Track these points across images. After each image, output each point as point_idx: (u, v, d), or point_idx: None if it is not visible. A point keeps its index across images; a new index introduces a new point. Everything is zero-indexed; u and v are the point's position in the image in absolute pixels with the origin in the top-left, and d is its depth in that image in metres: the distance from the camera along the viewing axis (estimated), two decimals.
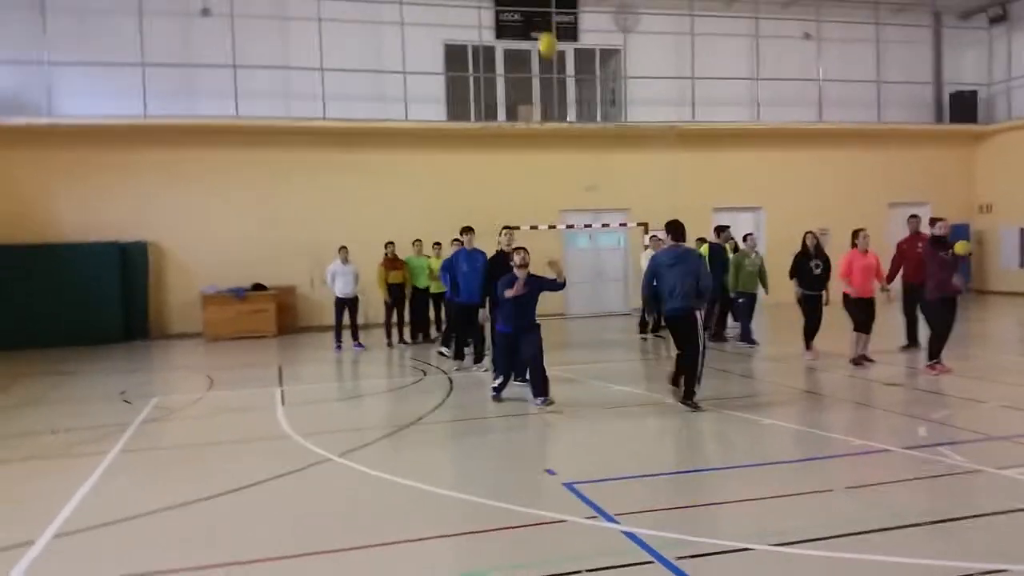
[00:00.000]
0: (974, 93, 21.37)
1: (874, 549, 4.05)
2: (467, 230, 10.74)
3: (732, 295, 12.48)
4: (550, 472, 5.68)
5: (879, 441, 6.27)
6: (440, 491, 5.32)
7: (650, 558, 4.02)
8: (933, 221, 9.72)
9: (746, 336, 12.26)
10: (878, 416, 7.55)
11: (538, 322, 8.33)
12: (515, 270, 8.05)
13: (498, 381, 8.44)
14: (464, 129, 18.37)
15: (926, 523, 4.38)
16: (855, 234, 10.06)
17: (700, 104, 19.60)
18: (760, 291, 12.47)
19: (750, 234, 12.78)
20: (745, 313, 12.41)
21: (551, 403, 7.87)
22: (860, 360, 9.93)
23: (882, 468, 5.61)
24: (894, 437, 6.45)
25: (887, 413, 7.61)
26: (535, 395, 7.99)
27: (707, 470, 5.71)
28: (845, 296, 10.04)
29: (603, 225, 18.54)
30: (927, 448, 5.98)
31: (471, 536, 4.54)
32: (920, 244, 10.96)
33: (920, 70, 21.63)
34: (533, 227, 16.87)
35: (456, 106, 18.86)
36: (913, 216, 11.79)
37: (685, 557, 4.00)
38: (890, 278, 10.78)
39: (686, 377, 7.75)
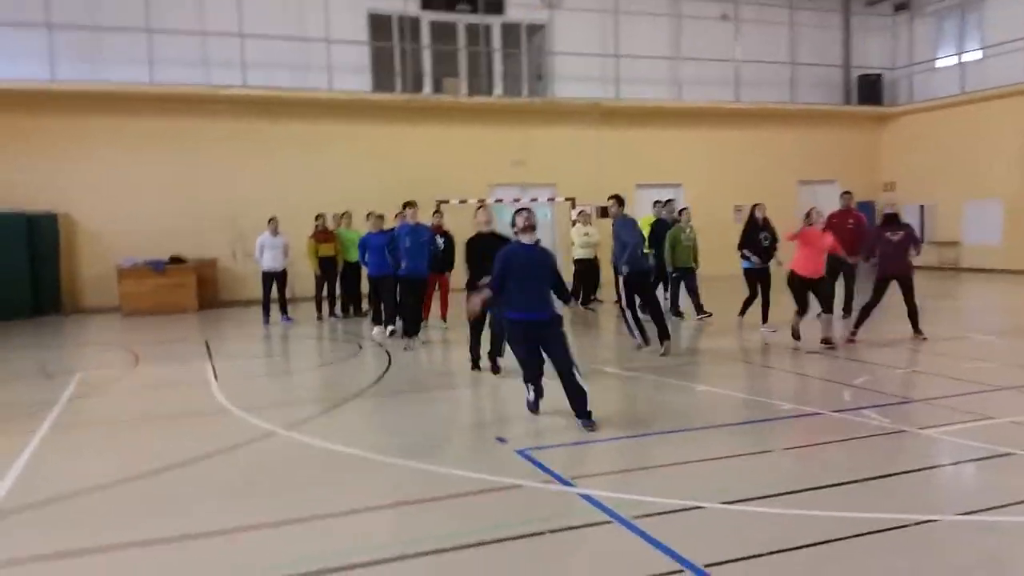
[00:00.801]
0: (879, 77, 22.50)
1: (813, 505, 4.34)
2: (410, 204, 10.58)
3: (669, 270, 12.35)
4: (501, 440, 5.79)
5: (811, 406, 6.66)
6: (391, 460, 5.34)
7: (608, 518, 4.19)
8: (848, 194, 10.39)
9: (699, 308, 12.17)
10: (809, 382, 8.00)
11: (559, 312, 6.39)
12: (520, 235, 6.29)
13: (532, 393, 6.46)
14: (390, 101, 18.13)
15: (859, 480, 4.72)
16: (808, 214, 9.71)
17: (624, 82, 19.93)
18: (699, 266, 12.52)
19: (685, 208, 12.76)
20: (678, 287, 12.50)
21: (593, 425, 6.00)
22: (828, 341, 9.39)
23: (815, 431, 5.98)
24: (823, 402, 6.86)
25: (816, 380, 8.07)
26: (577, 415, 6.05)
27: (654, 434, 5.93)
28: (793, 274, 9.60)
29: (532, 200, 18.69)
30: (854, 411, 6.39)
31: (425, 504, 4.56)
32: (851, 220, 11.57)
33: (831, 53, 22.60)
34: (463, 201, 16.86)
35: (381, 77, 18.57)
36: (846, 192, 12.26)
37: (641, 516, 4.18)
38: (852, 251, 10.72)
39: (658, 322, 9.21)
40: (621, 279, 9.46)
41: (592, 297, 14.26)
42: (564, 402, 6.11)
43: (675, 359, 9.11)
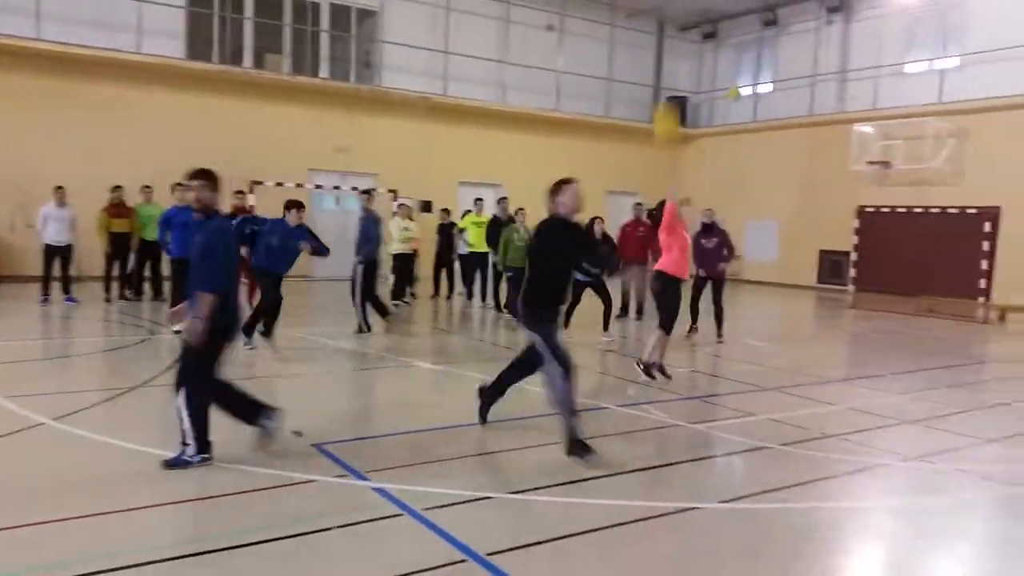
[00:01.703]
0: (685, 99, 24.27)
1: (593, 493, 4.63)
2: (296, 205, 9.28)
3: (500, 269, 11.95)
4: (298, 434, 5.66)
5: (600, 401, 7.09)
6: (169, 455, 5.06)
7: (400, 511, 4.24)
8: (640, 205, 11.38)
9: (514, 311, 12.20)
10: (603, 379, 8.49)
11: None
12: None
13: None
14: (205, 71, 17.06)
15: (635, 470, 5.09)
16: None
17: (452, 79, 20.08)
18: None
19: (520, 209, 12.27)
20: (504, 285, 12.19)
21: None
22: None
23: (601, 424, 6.36)
24: (612, 397, 7.32)
25: (609, 377, 8.59)
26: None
27: (448, 427, 6.03)
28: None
29: (352, 188, 18.34)
30: (636, 406, 6.88)
31: (211, 500, 4.38)
32: (641, 229, 12.47)
33: (644, 72, 24.07)
34: (279, 184, 16.24)
35: (197, 45, 17.44)
36: (637, 204, 13.25)
37: (432, 508, 4.27)
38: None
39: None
40: (360, 268, 10.49)
41: (408, 292, 14.23)
42: (362, 398, 6.07)
43: (481, 354, 9.33)
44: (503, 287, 12.82)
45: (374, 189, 13.38)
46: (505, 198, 13.72)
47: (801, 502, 4.69)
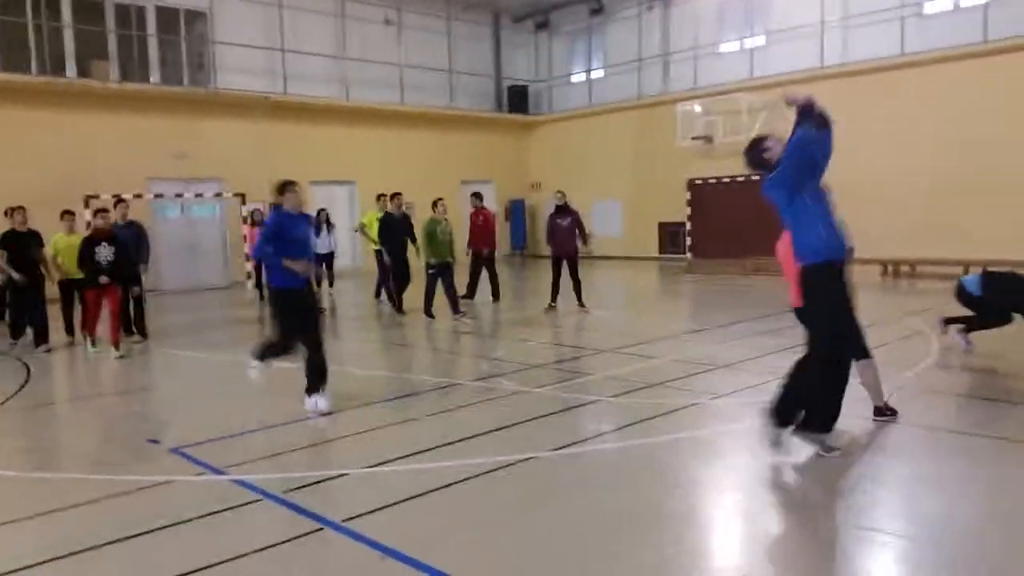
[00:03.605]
0: (526, 88, 25.19)
1: (444, 458, 5.12)
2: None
3: (423, 264, 11.73)
4: (154, 441, 5.80)
5: (456, 378, 7.58)
6: (26, 475, 5.12)
7: (259, 497, 4.54)
8: (477, 195, 12.04)
9: (397, 302, 12.24)
10: (460, 360, 9.01)
11: None
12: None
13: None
14: (25, 83, 16.11)
15: (484, 432, 5.63)
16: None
17: (291, 77, 19.91)
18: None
19: (440, 199, 11.94)
20: (434, 284, 11.60)
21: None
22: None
23: (455, 397, 6.86)
24: (467, 374, 7.84)
25: (467, 357, 9.11)
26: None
27: (309, 419, 6.33)
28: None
29: (196, 195, 17.88)
30: (488, 379, 7.44)
31: (69, 510, 4.46)
32: (481, 217, 13.08)
33: (484, 63, 24.75)
34: (116, 196, 15.59)
35: (13, 56, 16.42)
36: (475, 194, 13.68)
37: (290, 490, 4.60)
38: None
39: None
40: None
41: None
42: (216, 400, 6.24)
43: (347, 347, 9.62)
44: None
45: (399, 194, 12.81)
46: (399, 193, 12.88)
47: (619, 442, 5.40)
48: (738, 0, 20.49)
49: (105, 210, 9.86)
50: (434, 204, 11.74)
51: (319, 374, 6.34)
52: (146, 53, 18.41)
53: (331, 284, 15.21)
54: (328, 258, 14.90)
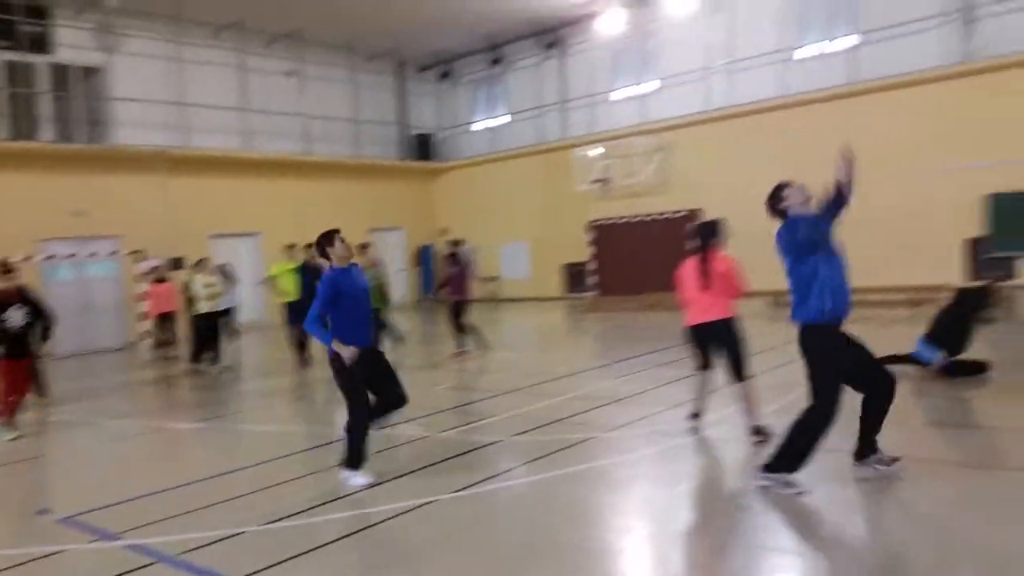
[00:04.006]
0: (430, 136, 25.62)
1: (342, 509, 5.18)
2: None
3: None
4: (43, 512, 5.63)
5: None
6: None
7: (154, 560, 4.50)
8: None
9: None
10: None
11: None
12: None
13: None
14: None
15: (389, 479, 5.71)
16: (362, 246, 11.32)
17: (192, 131, 19.69)
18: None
19: (367, 243, 11.94)
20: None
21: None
22: None
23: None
24: None
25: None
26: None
27: (202, 480, 6.21)
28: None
29: (90, 254, 17.29)
30: (392, 426, 7.52)
31: None
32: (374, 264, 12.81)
33: (389, 112, 25.07)
34: (4, 261, 14.96)
35: None
36: (363, 244, 12.55)
37: (186, 552, 4.58)
38: None
39: None
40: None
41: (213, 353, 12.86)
42: (122, 463, 6.10)
43: (248, 401, 9.50)
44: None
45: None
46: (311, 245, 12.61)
47: (519, 479, 5.59)
48: (631, 48, 21.54)
49: (10, 269, 8.61)
50: (362, 248, 11.43)
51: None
52: (38, 110, 17.87)
53: (234, 337, 14.82)
54: (229, 312, 14.49)
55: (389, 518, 4.92)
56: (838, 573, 3.89)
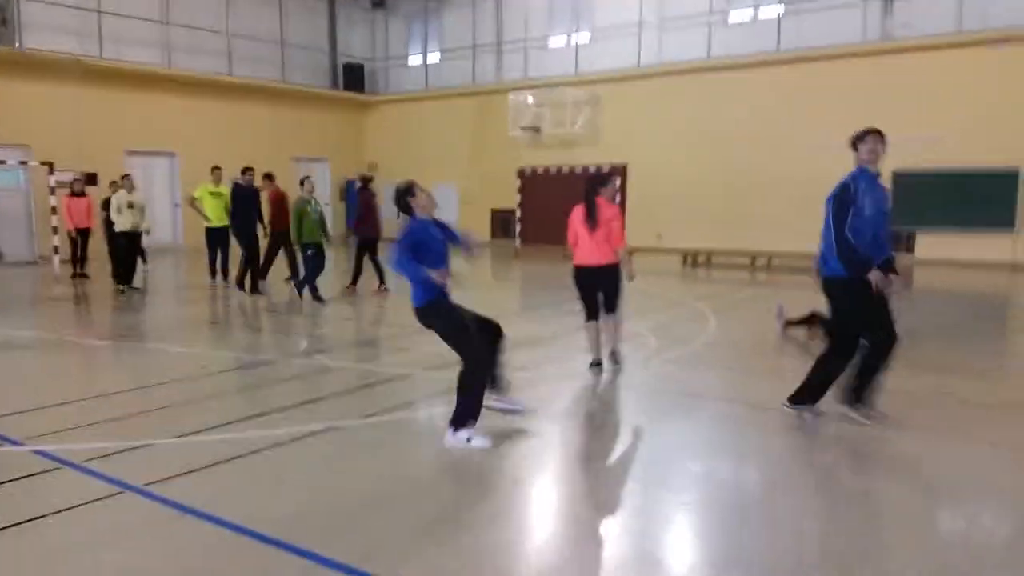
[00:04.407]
0: (362, 66, 25.08)
1: (256, 428, 5.39)
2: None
3: (297, 247, 11.41)
4: None
5: (273, 354, 7.79)
6: None
7: (59, 465, 4.63)
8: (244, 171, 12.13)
9: (314, 292, 11.18)
10: (276, 336, 9.16)
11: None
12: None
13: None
14: None
15: (290, 406, 5.93)
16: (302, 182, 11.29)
17: (108, 40, 18.77)
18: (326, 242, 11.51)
19: (307, 178, 11.54)
20: (311, 266, 11.22)
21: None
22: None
23: (268, 372, 7.09)
24: (284, 351, 8.06)
25: (283, 334, 9.28)
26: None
27: (113, 393, 6.32)
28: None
29: None
30: (308, 356, 7.71)
31: None
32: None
33: (319, 38, 24.39)
34: None
35: None
36: (247, 169, 12.54)
37: (92, 459, 4.72)
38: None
39: None
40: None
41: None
42: (37, 375, 6.11)
43: (165, 323, 9.48)
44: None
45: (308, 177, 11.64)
46: (251, 168, 12.41)
47: (420, 411, 5.92)
48: None
49: None
50: (302, 182, 11.34)
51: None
52: None
53: (144, 261, 14.52)
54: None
55: (292, 440, 5.15)
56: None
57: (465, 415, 4.97)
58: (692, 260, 17.53)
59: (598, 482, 4.60)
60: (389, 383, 6.74)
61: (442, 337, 5.17)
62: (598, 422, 5.89)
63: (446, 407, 6.03)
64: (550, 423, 5.59)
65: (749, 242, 17.63)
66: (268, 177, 12.56)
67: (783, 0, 18.31)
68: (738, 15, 19.26)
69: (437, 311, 5.13)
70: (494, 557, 3.52)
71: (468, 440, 4.93)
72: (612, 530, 3.92)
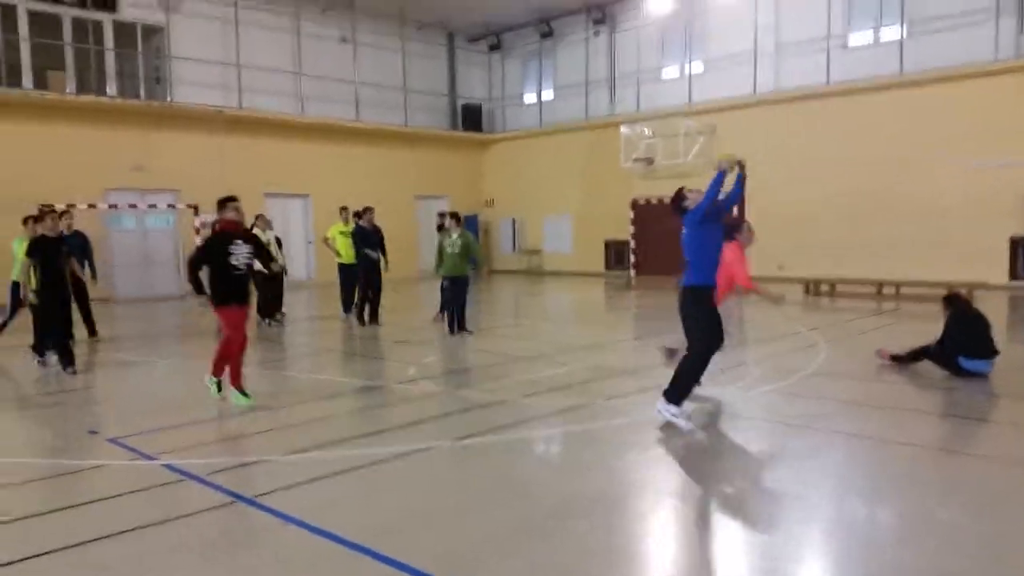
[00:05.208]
0: (480, 106, 25.98)
1: (360, 447, 5.75)
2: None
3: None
4: (93, 432, 6.34)
5: (380, 380, 8.21)
6: None
7: (183, 478, 5.13)
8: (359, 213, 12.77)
9: (460, 324, 11.42)
10: (377, 364, 9.63)
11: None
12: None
13: None
14: None
15: (400, 426, 6.26)
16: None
17: (247, 91, 20.44)
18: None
19: (445, 213, 12.09)
20: (448, 299, 11.59)
21: None
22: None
23: (375, 397, 7.49)
24: (393, 375, 8.47)
25: (391, 360, 9.75)
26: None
27: (240, 415, 6.89)
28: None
29: (150, 206, 18.28)
30: (411, 383, 8.08)
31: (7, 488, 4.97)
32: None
33: (439, 82, 25.50)
34: (71, 205, 15.99)
35: None
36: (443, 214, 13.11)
37: (214, 472, 5.20)
38: None
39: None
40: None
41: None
42: (171, 396, 6.76)
43: (299, 353, 10.18)
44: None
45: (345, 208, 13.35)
46: (370, 208, 13.07)
47: (511, 434, 6.10)
48: (678, 28, 21.54)
49: (43, 215, 9.28)
50: (442, 218, 11.85)
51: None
52: (103, 66, 18.81)
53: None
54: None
55: (392, 458, 5.46)
56: None
57: (677, 394, 6.03)
58: (815, 289, 16.90)
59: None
60: (485, 408, 6.96)
61: (687, 324, 6.15)
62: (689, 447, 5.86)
63: (532, 431, 6.19)
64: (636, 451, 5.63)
65: (874, 270, 16.82)
66: (358, 214, 13.08)
67: (907, 22, 17.57)
68: (858, 38, 18.64)
69: (699, 301, 6.10)
70: (568, 571, 3.64)
71: (673, 415, 5.99)
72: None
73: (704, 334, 6.05)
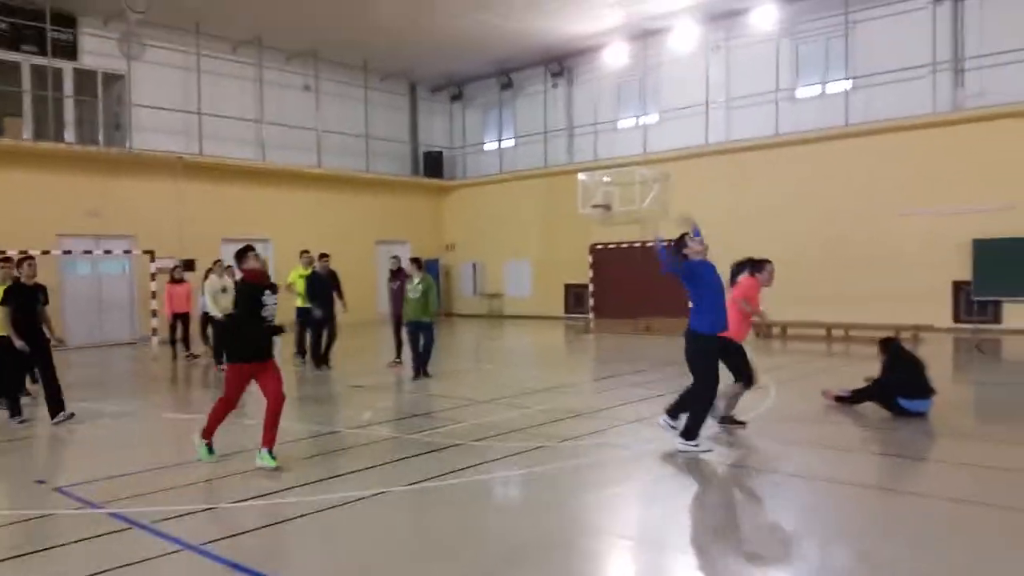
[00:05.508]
0: (440, 154, 26.36)
1: (311, 493, 5.74)
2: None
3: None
4: (40, 482, 6.24)
5: (332, 425, 8.20)
6: None
7: (129, 526, 5.08)
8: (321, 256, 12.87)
9: (422, 368, 11.58)
10: (335, 409, 9.61)
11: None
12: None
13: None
14: None
15: (352, 471, 6.26)
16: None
17: (208, 139, 20.48)
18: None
19: (415, 258, 12.11)
20: (412, 344, 11.65)
21: None
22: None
23: (330, 442, 7.48)
24: (348, 421, 8.47)
25: (345, 407, 9.73)
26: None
27: (187, 463, 6.79)
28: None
29: (105, 251, 18.09)
30: (365, 427, 8.08)
31: None
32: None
33: (401, 129, 25.85)
34: (24, 252, 15.74)
35: None
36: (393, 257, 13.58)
37: (159, 520, 5.15)
38: None
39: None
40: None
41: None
42: (122, 445, 6.67)
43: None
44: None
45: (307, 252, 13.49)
46: (326, 255, 13.21)
47: (464, 478, 6.14)
48: (633, 81, 22.23)
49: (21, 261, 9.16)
50: (411, 263, 11.97)
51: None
52: (61, 113, 18.74)
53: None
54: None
55: (341, 504, 5.48)
56: None
57: (692, 431, 6.60)
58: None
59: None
60: (438, 453, 7.00)
61: (693, 361, 6.68)
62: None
63: (489, 474, 6.26)
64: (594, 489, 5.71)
65: (824, 313, 17.29)
66: (324, 255, 13.21)
67: (852, 76, 18.41)
68: (806, 91, 19.43)
69: (704, 347, 6.62)
70: None
71: (696, 446, 6.57)
72: None
73: (704, 375, 6.61)
